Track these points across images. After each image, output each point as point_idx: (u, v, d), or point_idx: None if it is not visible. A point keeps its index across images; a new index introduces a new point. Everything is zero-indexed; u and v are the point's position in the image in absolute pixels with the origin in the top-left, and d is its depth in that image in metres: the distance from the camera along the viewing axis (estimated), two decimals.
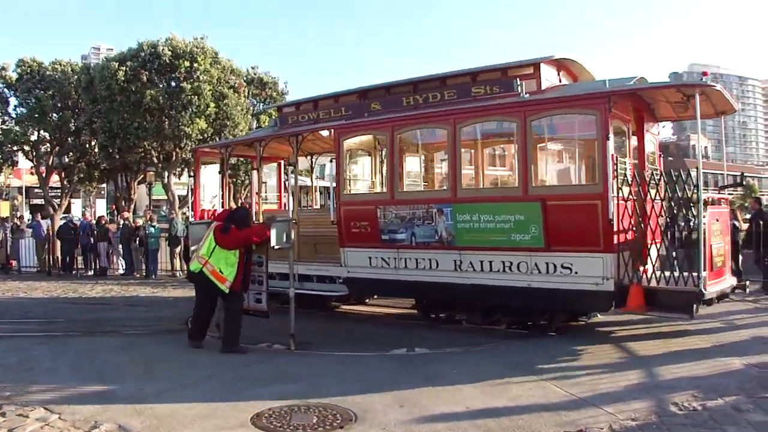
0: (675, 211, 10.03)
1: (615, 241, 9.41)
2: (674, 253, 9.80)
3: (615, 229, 9.37)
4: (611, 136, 9.57)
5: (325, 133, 13.57)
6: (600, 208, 9.34)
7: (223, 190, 15.68)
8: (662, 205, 10.06)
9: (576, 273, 9.61)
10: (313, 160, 16.49)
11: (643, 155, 11.60)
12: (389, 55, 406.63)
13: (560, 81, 11.41)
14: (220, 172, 15.17)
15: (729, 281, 10.46)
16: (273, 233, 9.53)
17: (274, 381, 7.84)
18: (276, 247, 9.64)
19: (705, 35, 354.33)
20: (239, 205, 17.67)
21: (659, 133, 12.97)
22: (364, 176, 15.78)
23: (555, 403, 6.70)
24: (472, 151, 12.85)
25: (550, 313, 10.61)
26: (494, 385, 7.47)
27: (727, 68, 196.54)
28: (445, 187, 12.53)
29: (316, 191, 22.31)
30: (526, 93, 10.34)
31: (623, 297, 9.48)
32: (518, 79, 10.52)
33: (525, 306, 10.56)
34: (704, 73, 10.34)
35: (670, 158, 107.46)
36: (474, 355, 9.11)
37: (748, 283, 12.13)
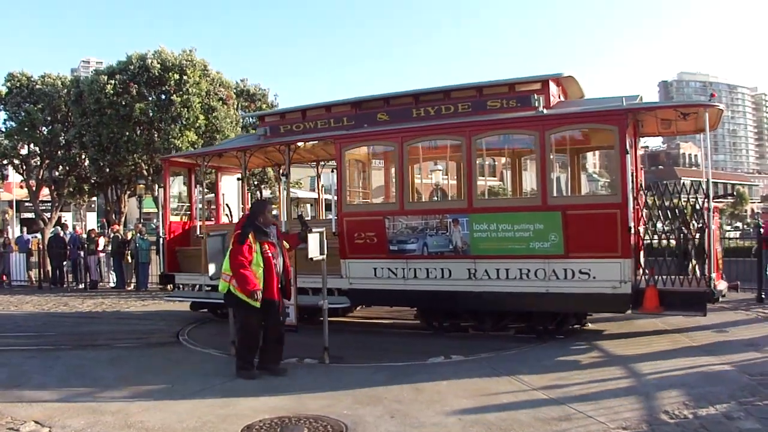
0: (687, 218, 10.86)
1: (631, 247, 9.92)
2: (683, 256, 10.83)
3: (632, 235, 9.93)
4: (629, 149, 10.18)
5: (301, 143, 13.51)
6: (619, 217, 9.88)
7: (193, 202, 15.53)
8: (672, 212, 10.93)
9: (594, 278, 10.05)
10: (280, 170, 16.46)
11: (637, 167, 11.95)
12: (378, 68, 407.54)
13: (559, 97, 11.78)
14: (198, 182, 15.01)
15: (724, 282, 11.00)
16: (310, 244, 9.09)
17: (264, 393, 7.80)
18: (313, 259, 9.22)
19: (693, 43, 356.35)
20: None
21: (644, 148, 13.47)
22: (360, 187, 15.74)
23: (546, 412, 6.71)
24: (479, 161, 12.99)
25: (561, 317, 10.93)
26: (486, 394, 7.49)
27: (716, 76, 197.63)
28: (460, 197, 12.90)
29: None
30: (542, 108, 10.68)
31: (639, 299, 10.04)
32: (535, 94, 10.86)
33: (542, 311, 10.83)
34: (712, 95, 11.17)
35: (660, 166, 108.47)
36: (469, 364, 9.09)
37: (739, 283, 12.53)
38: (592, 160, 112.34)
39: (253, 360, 8.72)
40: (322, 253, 9.32)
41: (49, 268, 23.31)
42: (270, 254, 8.47)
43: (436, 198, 23.62)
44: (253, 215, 8.68)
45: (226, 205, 15.97)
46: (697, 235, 10.72)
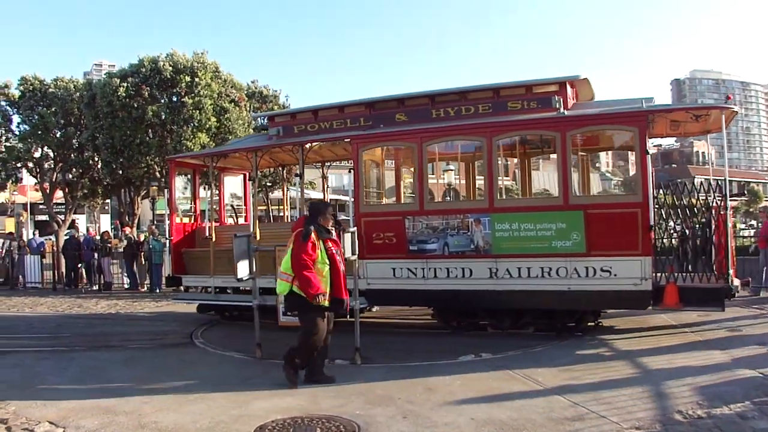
0: (707, 216, 11.16)
1: (651, 245, 10.18)
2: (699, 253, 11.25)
3: (652, 233, 10.23)
4: (649, 150, 10.49)
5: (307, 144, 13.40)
6: (640, 216, 10.12)
7: (197, 203, 15.56)
8: (691, 210, 11.41)
9: (615, 275, 10.28)
10: (284, 171, 16.47)
11: None
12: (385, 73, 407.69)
13: (573, 98, 11.94)
14: (207, 183, 14.94)
15: (737, 279, 11.22)
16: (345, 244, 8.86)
17: (278, 394, 7.81)
18: (348, 258, 8.97)
19: (706, 40, 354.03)
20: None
21: (657, 147, 13.75)
22: (375, 187, 15.68)
23: (559, 412, 6.70)
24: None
25: (579, 314, 11.13)
26: (499, 393, 7.48)
27: (729, 74, 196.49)
28: (470, 197, 13.93)
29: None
30: (563, 109, 10.86)
31: (659, 296, 10.26)
32: (556, 96, 11.04)
33: (564, 308, 10.98)
34: (728, 97, 11.29)
35: (674, 165, 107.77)
36: (482, 364, 9.07)
37: (750, 280, 12.69)
38: (604, 160, 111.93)
39: (308, 363, 8.35)
40: (354, 253, 9.26)
41: (64, 270, 23.43)
42: (334, 251, 8.19)
43: (449, 198, 23.62)
44: (313, 215, 8.32)
45: (231, 206, 15.94)
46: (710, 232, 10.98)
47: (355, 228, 9.78)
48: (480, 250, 10.97)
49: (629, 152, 11.67)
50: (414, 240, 11.44)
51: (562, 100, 10.93)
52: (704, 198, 11.07)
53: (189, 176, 16.74)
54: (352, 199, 12.15)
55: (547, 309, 11.04)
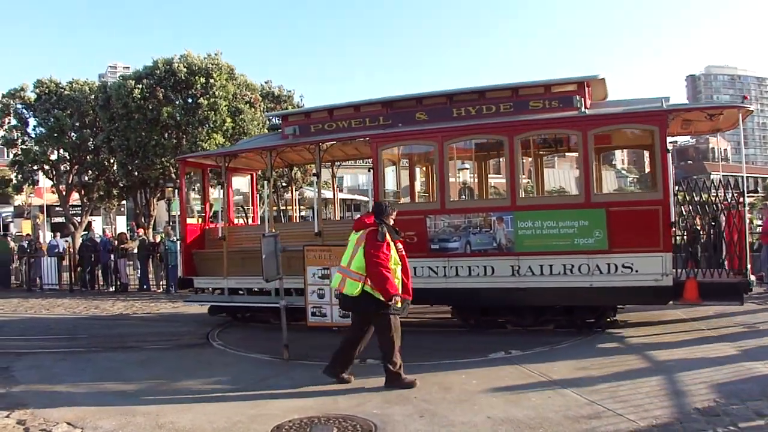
0: (725, 213, 11.32)
1: (672, 241, 10.31)
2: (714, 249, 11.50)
3: (673, 230, 10.43)
4: (670, 148, 10.70)
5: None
6: (661, 213, 10.27)
7: (207, 203, 15.59)
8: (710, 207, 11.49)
9: (637, 271, 10.33)
10: (293, 171, 16.37)
11: None
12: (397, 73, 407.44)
13: (590, 98, 11.90)
14: (219, 184, 14.87)
15: (752, 275, 11.30)
16: None
17: (295, 394, 7.85)
18: None
19: (721, 36, 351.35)
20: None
21: (673, 144, 13.80)
22: (393, 186, 15.64)
23: (575, 410, 6.67)
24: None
25: (600, 310, 11.21)
26: (514, 393, 7.45)
27: (745, 69, 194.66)
28: (482, 196, 14.14)
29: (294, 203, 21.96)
30: (584, 108, 10.98)
31: (679, 291, 10.36)
32: (577, 96, 11.14)
33: (586, 305, 11.08)
34: (744, 97, 11.50)
35: (690, 161, 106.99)
36: (497, 362, 9.05)
37: (764, 274, 12.73)
38: (619, 157, 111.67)
39: (333, 356, 8.25)
40: None
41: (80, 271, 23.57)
42: (403, 253, 8.16)
43: (464, 196, 23.63)
44: (379, 216, 8.13)
45: (241, 206, 15.91)
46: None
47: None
48: (502, 248, 11.02)
49: (645, 151, 11.67)
50: (436, 239, 11.47)
51: (582, 99, 11.00)
52: (722, 194, 11.17)
53: (199, 177, 16.74)
54: (372, 199, 12.13)
55: (568, 305, 11.09)
